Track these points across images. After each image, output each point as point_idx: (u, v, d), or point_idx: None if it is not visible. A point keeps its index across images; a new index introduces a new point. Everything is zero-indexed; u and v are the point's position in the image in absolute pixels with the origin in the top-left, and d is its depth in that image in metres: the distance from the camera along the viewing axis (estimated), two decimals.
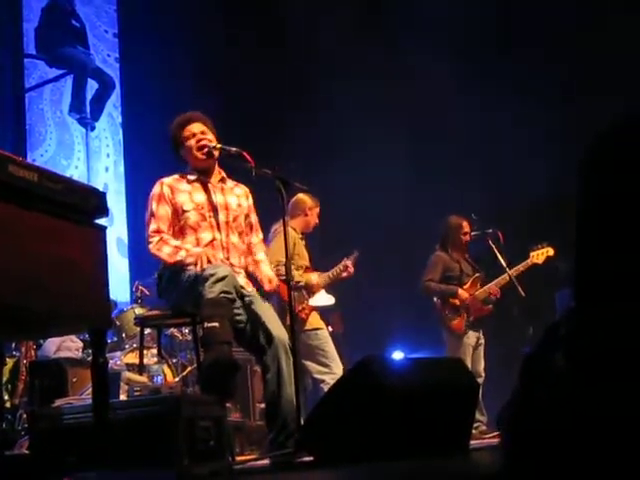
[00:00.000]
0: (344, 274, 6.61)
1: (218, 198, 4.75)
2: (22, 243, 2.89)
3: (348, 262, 6.66)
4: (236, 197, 4.84)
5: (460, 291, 7.18)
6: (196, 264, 4.39)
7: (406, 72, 9.23)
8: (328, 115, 9.20)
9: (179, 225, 4.65)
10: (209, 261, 4.38)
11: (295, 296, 5.89)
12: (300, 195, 6.55)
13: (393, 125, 8.96)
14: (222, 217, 4.71)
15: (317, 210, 6.68)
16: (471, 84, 8.70)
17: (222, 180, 4.85)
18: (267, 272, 4.86)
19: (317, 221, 6.69)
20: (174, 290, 4.54)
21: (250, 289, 4.63)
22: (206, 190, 4.75)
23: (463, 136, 9.06)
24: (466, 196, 8.33)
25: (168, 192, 4.67)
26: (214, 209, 4.71)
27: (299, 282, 6.29)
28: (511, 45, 8.91)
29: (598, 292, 0.93)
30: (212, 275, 4.24)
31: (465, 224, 7.34)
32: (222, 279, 4.23)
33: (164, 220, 4.63)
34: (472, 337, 7.13)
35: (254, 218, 4.95)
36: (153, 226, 4.61)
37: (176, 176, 4.79)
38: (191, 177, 4.77)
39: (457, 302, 7.16)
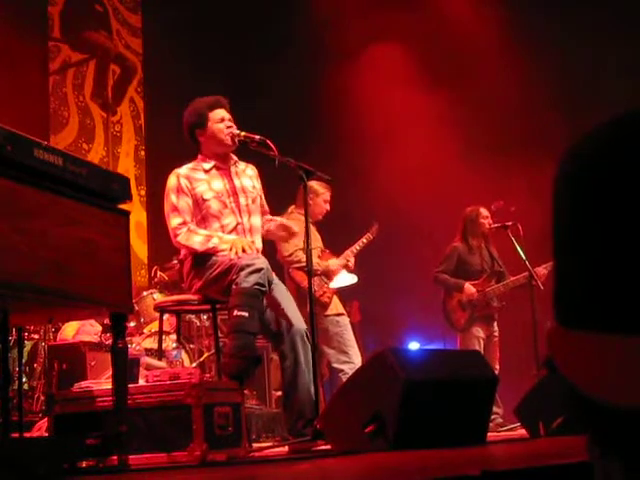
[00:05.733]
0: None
1: (235, 183, 4.74)
2: (47, 227, 2.91)
3: (369, 235, 6.70)
4: (249, 179, 4.82)
5: (466, 286, 6.98)
6: (231, 250, 4.39)
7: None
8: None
9: (201, 214, 4.62)
10: (244, 250, 4.38)
11: (315, 282, 5.88)
12: (309, 182, 6.43)
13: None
14: (242, 201, 4.70)
15: (325, 196, 6.47)
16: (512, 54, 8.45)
17: (234, 164, 4.83)
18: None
19: (326, 208, 6.49)
20: (198, 276, 4.53)
21: (272, 276, 4.61)
22: (222, 177, 4.74)
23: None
24: (492, 186, 8.05)
25: (186, 183, 4.63)
26: (233, 194, 4.70)
27: (317, 269, 6.25)
28: None
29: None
30: (249, 265, 4.25)
31: (482, 210, 7.09)
32: (258, 271, 4.24)
33: (187, 212, 4.60)
34: (481, 331, 6.97)
35: (263, 200, 4.94)
36: (178, 219, 4.58)
37: (190, 165, 4.74)
38: (206, 165, 4.72)
39: (463, 297, 6.99)
